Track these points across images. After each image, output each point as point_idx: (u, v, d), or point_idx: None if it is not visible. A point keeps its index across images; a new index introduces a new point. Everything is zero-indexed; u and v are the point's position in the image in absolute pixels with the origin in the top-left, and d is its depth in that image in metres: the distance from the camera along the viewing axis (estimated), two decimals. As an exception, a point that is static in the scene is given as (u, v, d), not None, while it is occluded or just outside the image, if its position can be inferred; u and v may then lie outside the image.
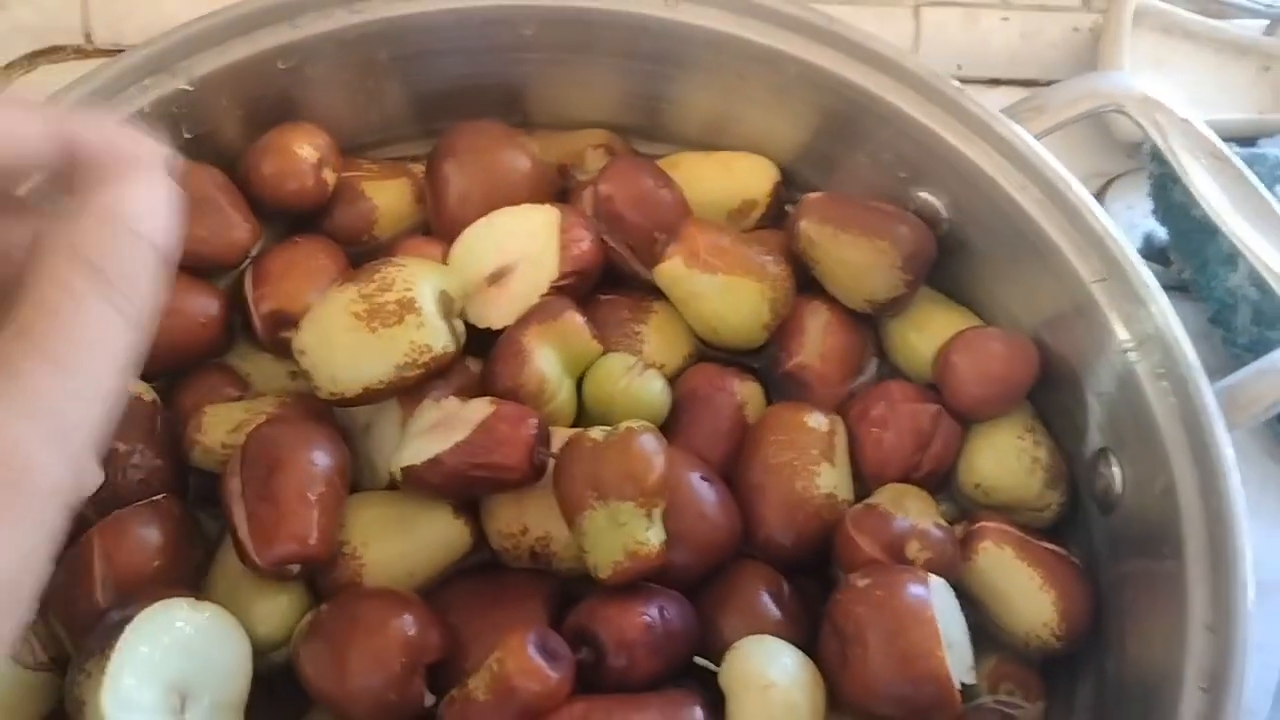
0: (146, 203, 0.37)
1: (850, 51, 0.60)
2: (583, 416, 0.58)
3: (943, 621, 0.49)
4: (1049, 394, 0.61)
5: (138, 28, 0.58)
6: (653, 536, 0.50)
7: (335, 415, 0.58)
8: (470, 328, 0.59)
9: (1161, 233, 0.77)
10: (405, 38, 0.62)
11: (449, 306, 0.56)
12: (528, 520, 0.54)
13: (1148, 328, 0.54)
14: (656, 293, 0.62)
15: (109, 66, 0.56)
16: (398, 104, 0.66)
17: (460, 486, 0.52)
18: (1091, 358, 0.57)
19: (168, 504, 0.53)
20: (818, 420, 0.58)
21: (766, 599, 0.54)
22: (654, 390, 0.57)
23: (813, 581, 0.57)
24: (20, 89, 0.77)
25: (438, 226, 0.63)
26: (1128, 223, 0.80)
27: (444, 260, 0.61)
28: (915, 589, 0.50)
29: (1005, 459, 0.59)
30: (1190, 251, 0.75)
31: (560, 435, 0.54)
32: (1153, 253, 0.79)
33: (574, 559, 0.54)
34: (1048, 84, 0.66)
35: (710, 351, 0.63)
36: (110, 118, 0.44)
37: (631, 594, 0.51)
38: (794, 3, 0.61)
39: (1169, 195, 0.74)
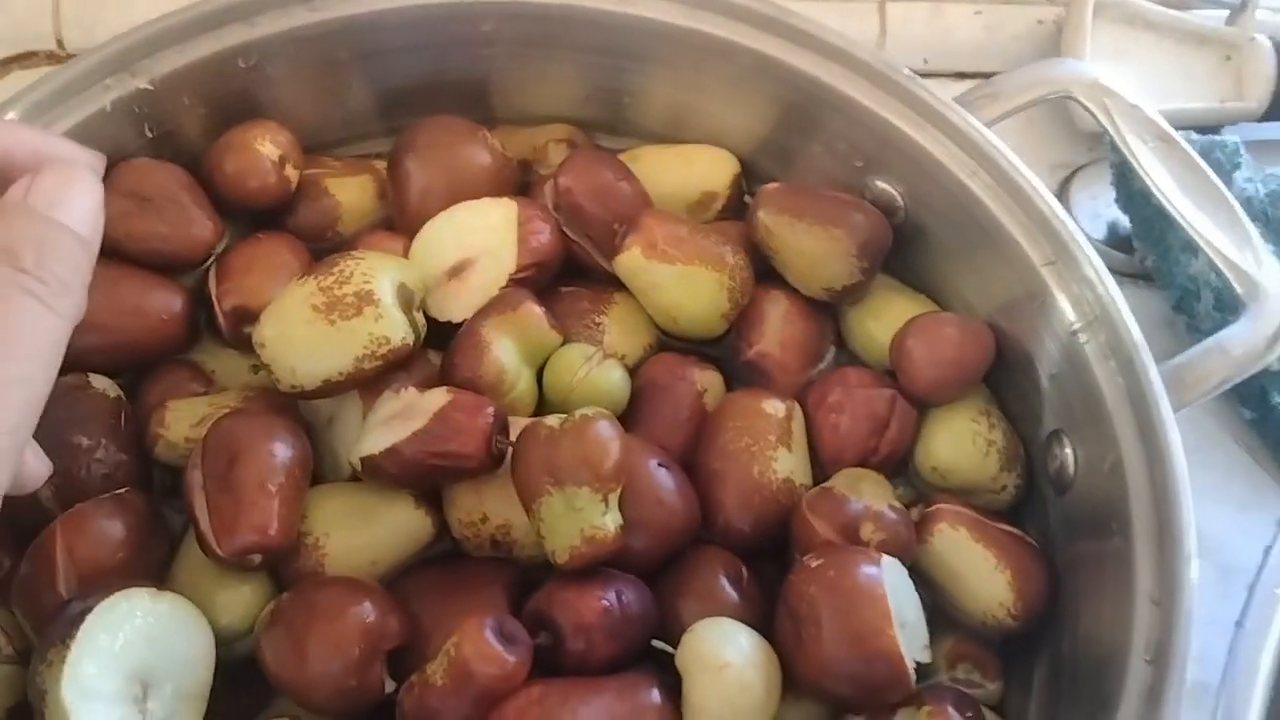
0: (64, 193, 0.38)
1: (802, 41, 0.61)
2: (543, 407, 0.59)
3: (895, 600, 0.50)
4: (1004, 378, 0.61)
5: (109, 33, 0.58)
6: (609, 521, 0.51)
7: (299, 409, 0.58)
8: (432, 321, 0.59)
9: (1125, 221, 0.78)
10: (365, 35, 0.63)
11: (408, 299, 0.57)
12: (487, 509, 0.54)
13: (1095, 309, 0.55)
14: (618, 284, 0.63)
15: (71, 67, 0.57)
16: (360, 101, 0.67)
17: (419, 475, 0.53)
18: (1043, 340, 0.58)
19: (131, 497, 0.54)
20: (775, 406, 0.59)
21: (725, 583, 0.54)
22: (613, 379, 0.58)
23: (772, 566, 0.57)
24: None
25: (400, 221, 0.64)
26: (1092, 212, 0.82)
27: (406, 255, 0.61)
28: (867, 569, 0.50)
29: (961, 442, 0.60)
30: (1152, 239, 0.76)
31: (519, 425, 0.54)
32: (1117, 241, 0.80)
33: (534, 546, 0.54)
34: (1010, 76, 0.67)
35: (671, 341, 0.64)
36: (30, 126, 0.45)
37: (589, 579, 0.51)
38: (748, -5, 0.62)
39: (1131, 184, 0.75)
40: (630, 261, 0.61)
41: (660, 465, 0.55)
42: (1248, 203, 0.72)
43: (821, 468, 0.59)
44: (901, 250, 0.64)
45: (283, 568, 0.54)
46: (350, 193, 0.66)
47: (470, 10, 0.63)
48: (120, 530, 0.52)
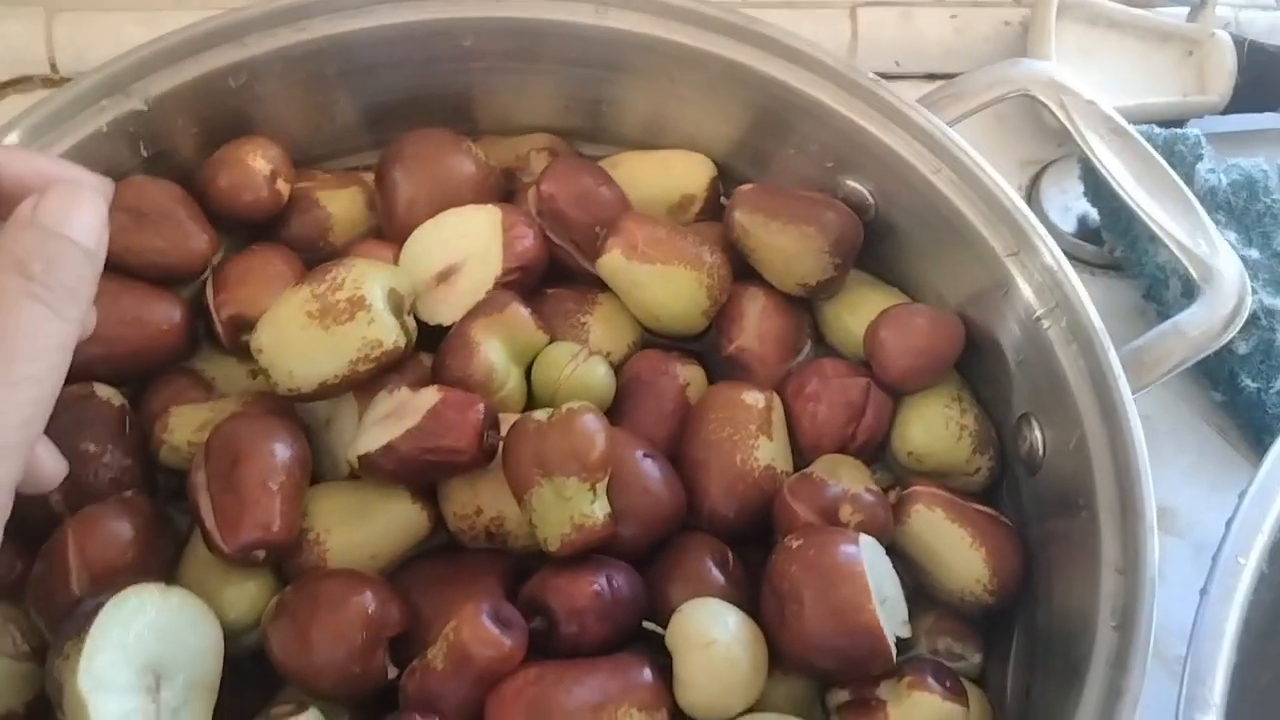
0: (71, 209, 0.40)
1: (771, 49, 0.64)
2: (532, 404, 0.61)
3: (873, 577, 0.52)
4: (974, 364, 0.64)
5: (101, 57, 0.60)
6: (597, 509, 0.53)
7: (297, 411, 0.60)
8: (422, 325, 0.62)
9: (1094, 214, 0.81)
10: (351, 53, 0.65)
11: (399, 304, 0.59)
12: (481, 502, 0.57)
13: (1056, 295, 0.58)
14: (602, 286, 0.65)
15: (67, 89, 0.59)
16: (347, 116, 0.69)
17: (414, 471, 0.55)
18: (1010, 327, 0.60)
19: (138, 499, 0.56)
20: (755, 397, 0.61)
21: (711, 567, 0.56)
22: (598, 375, 0.60)
23: (756, 550, 0.59)
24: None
25: (389, 230, 0.66)
26: (1062, 205, 0.84)
27: (395, 262, 0.64)
28: (846, 547, 0.53)
29: (935, 427, 0.62)
30: (1120, 230, 0.78)
31: (509, 421, 0.57)
32: (1086, 233, 0.83)
33: (527, 537, 0.56)
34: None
35: (654, 339, 0.66)
36: (39, 152, 0.47)
37: (581, 565, 0.53)
38: (714, 4, 0.64)
39: (1098, 178, 0.77)
40: (612, 262, 0.63)
41: (646, 456, 0.57)
42: (1211, 193, 0.75)
43: (801, 455, 0.62)
44: (873, 246, 0.66)
45: (286, 563, 0.56)
46: (340, 204, 0.68)
47: (451, 26, 0.65)
48: (129, 530, 0.54)
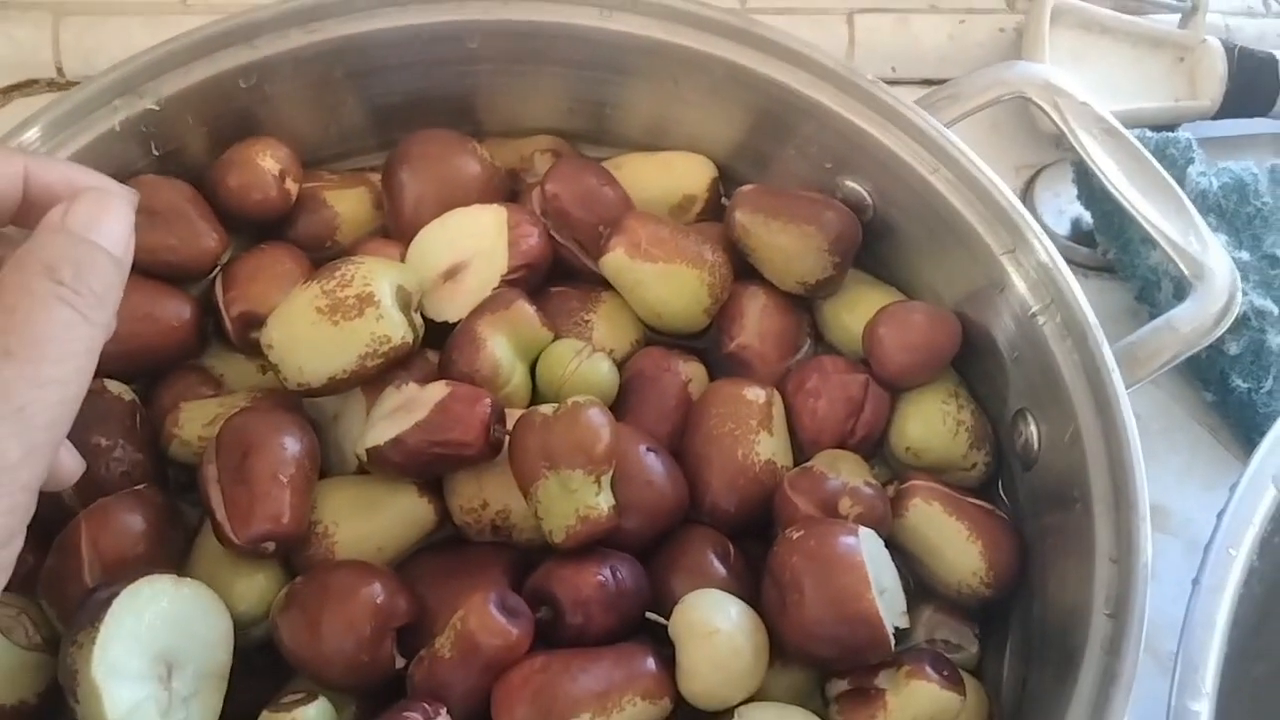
0: (99, 216, 0.42)
1: (771, 51, 0.65)
2: (536, 400, 0.62)
3: (872, 567, 0.53)
4: (971, 361, 0.65)
5: (108, 60, 0.61)
6: (602, 501, 0.54)
7: (305, 407, 0.61)
8: (429, 322, 0.62)
9: (1087, 217, 0.82)
10: (359, 55, 0.66)
11: (407, 300, 0.60)
12: (487, 495, 0.58)
13: (1051, 292, 0.59)
14: (605, 285, 0.66)
15: (81, 89, 0.60)
16: (355, 117, 0.70)
17: (422, 465, 0.56)
18: (1005, 324, 0.61)
19: (149, 492, 0.56)
20: (755, 393, 0.62)
21: (713, 559, 0.57)
22: (601, 371, 0.61)
23: (756, 544, 0.60)
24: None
25: (395, 229, 0.67)
26: (1055, 209, 0.85)
27: (402, 260, 0.65)
28: (845, 538, 0.54)
29: (932, 423, 0.63)
30: (1113, 233, 0.79)
31: (515, 416, 0.57)
32: (1080, 236, 0.84)
33: (532, 530, 0.57)
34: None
35: (657, 337, 0.67)
36: (67, 161, 0.49)
37: (585, 556, 0.54)
38: (718, 7, 0.65)
39: (1091, 181, 0.79)
40: (615, 261, 0.64)
41: (649, 450, 0.58)
42: (1202, 195, 0.76)
43: (801, 450, 0.63)
44: (872, 246, 0.68)
45: (295, 556, 0.57)
46: (347, 204, 0.69)
47: (457, 29, 0.66)
48: (140, 523, 0.55)
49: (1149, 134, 0.79)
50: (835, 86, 0.64)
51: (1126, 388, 0.55)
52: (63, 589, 0.53)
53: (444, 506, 0.59)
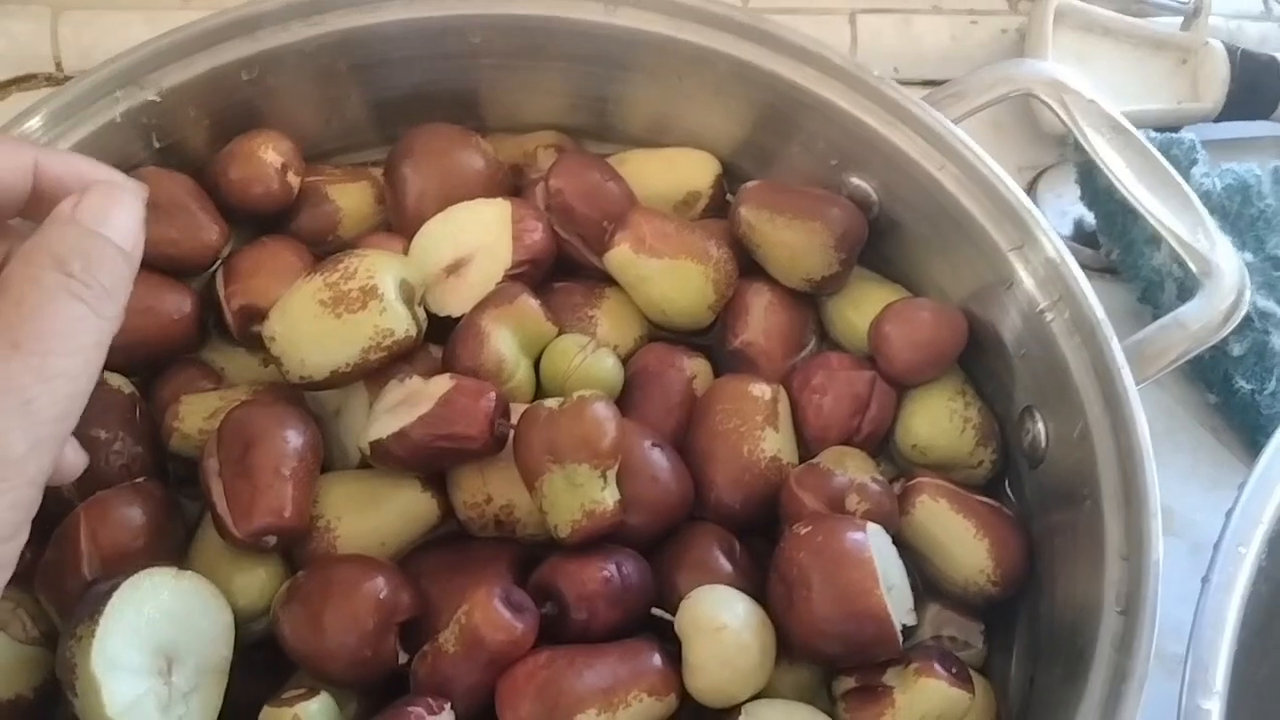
0: (109, 209, 0.41)
1: (777, 47, 0.64)
2: (540, 395, 0.61)
3: (880, 564, 0.53)
4: (978, 359, 0.64)
5: (107, 55, 0.61)
6: (608, 496, 0.53)
7: (306, 401, 0.61)
8: (431, 317, 0.62)
9: (1090, 218, 0.82)
10: (362, 48, 0.65)
11: (410, 294, 0.59)
12: (491, 490, 0.57)
13: (1059, 288, 0.58)
14: (609, 280, 0.66)
15: (82, 80, 0.60)
16: (357, 111, 0.70)
17: (426, 458, 0.55)
18: (1013, 321, 0.61)
19: (149, 485, 0.56)
20: (761, 389, 0.61)
21: (719, 555, 0.57)
22: (606, 367, 0.61)
23: (761, 541, 0.60)
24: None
25: (398, 224, 0.67)
26: (1058, 210, 0.85)
27: (405, 255, 0.64)
28: (853, 534, 0.53)
29: (939, 420, 0.63)
30: (1116, 234, 0.79)
31: (518, 411, 0.57)
32: (1083, 237, 0.84)
33: (536, 525, 0.57)
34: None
35: (661, 334, 0.67)
36: (78, 155, 0.48)
37: (591, 551, 0.54)
38: (723, 3, 0.65)
39: (1094, 181, 0.79)
40: (620, 257, 0.63)
41: (654, 446, 0.58)
42: (1206, 196, 0.76)
43: (807, 447, 0.62)
44: (877, 242, 0.67)
45: (296, 550, 0.56)
46: (350, 198, 0.68)
47: (460, 23, 0.66)
48: (140, 516, 0.54)
49: (1152, 134, 0.79)
50: (842, 82, 0.64)
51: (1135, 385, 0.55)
52: (61, 582, 0.53)
53: (447, 501, 0.58)
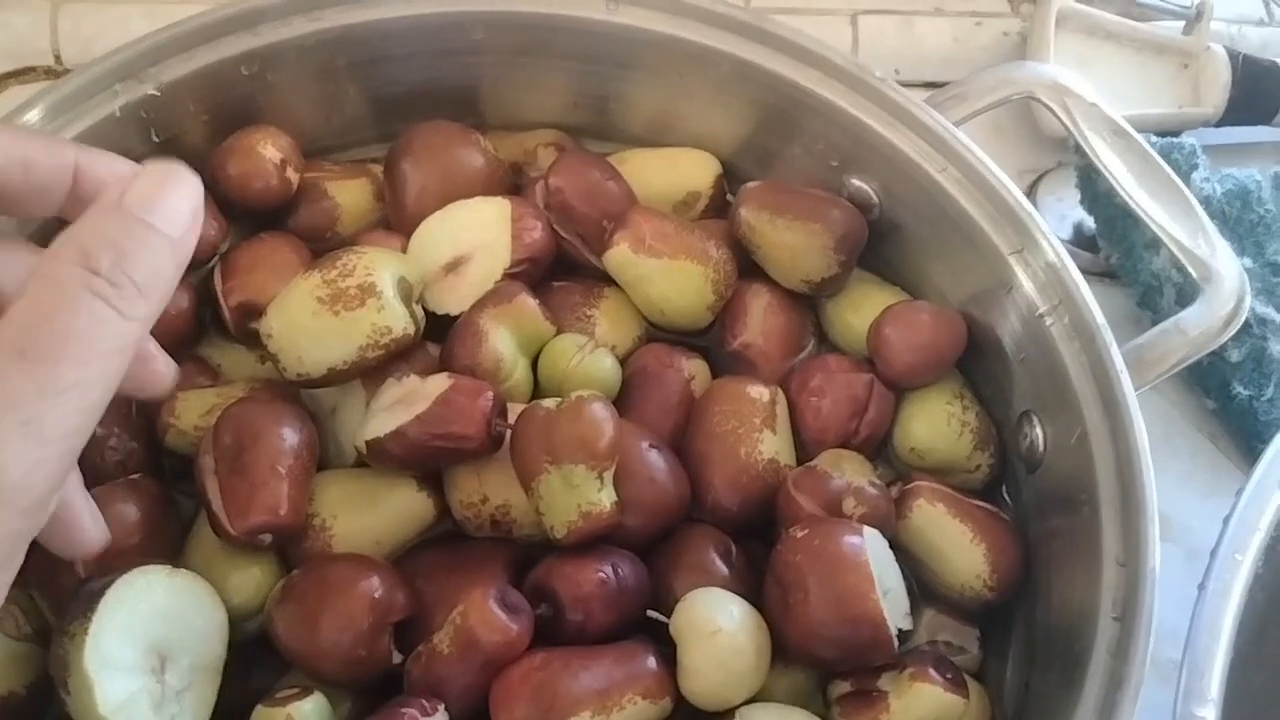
0: (160, 193, 0.36)
1: (779, 47, 0.64)
2: (538, 395, 0.61)
3: (877, 568, 0.52)
4: (976, 363, 0.64)
5: (106, 49, 0.61)
6: (604, 497, 0.53)
7: (303, 399, 0.61)
8: (429, 315, 0.62)
9: (1090, 222, 0.81)
10: (363, 44, 0.65)
11: (408, 292, 0.59)
12: (487, 490, 0.57)
13: (1059, 293, 0.58)
14: (608, 280, 0.66)
15: (81, 73, 0.59)
16: (356, 108, 0.69)
17: (422, 457, 0.55)
18: (1012, 325, 0.61)
19: (144, 482, 0.56)
20: (759, 391, 0.61)
21: (715, 558, 0.57)
22: (604, 367, 0.61)
23: (757, 544, 0.60)
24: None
25: (397, 221, 0.67)
26: (1058, 214, 0.85)
27: (403, 252, 0.64)
28: (850, 538, 0.53)
29: (937, 424, 0.62)
30: (1116, 238, 0.79)
31: (517, 410, 0.57)
32: (1082, 241, 0.83)
33: (532, 526, 0.57)
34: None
35: (659, 334, 0.67)
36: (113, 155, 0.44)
37: (586, 553, 0.54)
38: (726, 2, 0.64)
39: (1094, 185, 0.79)
40: (619, 256, 0.63)
41: (652, 447, 0.57)
42: (1206, 201, 0.76)
43: (804, 449, 0.62)
44: (877, 245, 0.67)
45: (291, 549, 0.56)
46: (349, 195, 0.68)
47: (462, 19, 0.66)
48: (135, 513, 0.54)
49: (1154, 139, 0.79)
50: (844, 84, 0.64)
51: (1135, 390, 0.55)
52: (55, 579, 0.53)
53: (443, 501, 0.58)
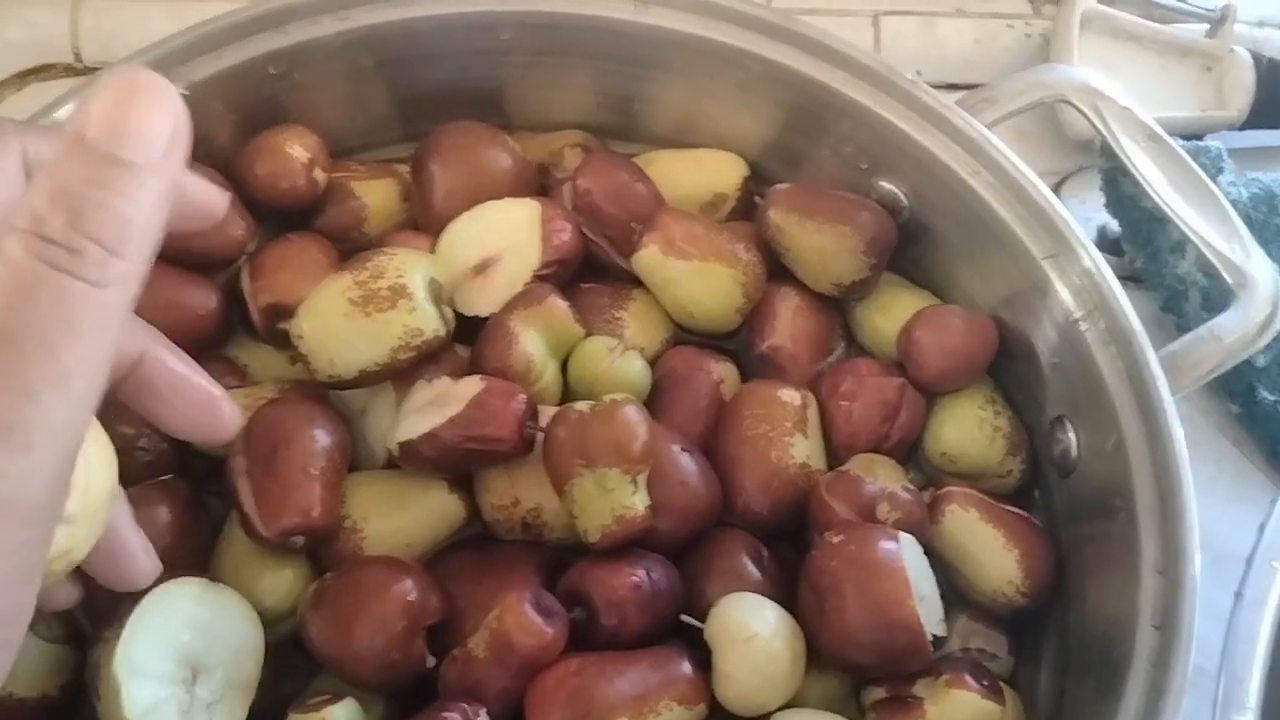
0: (115, 111, 0.29)
1: (809, 49, 0.64)
2: (568, 397, 0.61)
3: (913, 574, 0.52)
4: (1008, 367, 0.64)
5: (126, 46, 0.60)
6: (638, 501, 0.53)
7: (332, 400, 0.60)
8: (457, 316, 0.61)
9: (1114, 225, 0.81)
10: (390, 44, 0.65)
11: (439, 293, 0.59)
12: (519, 493, 0.56)
13: (1094, 298, 0.58)
14: (635, 282, 0.65)
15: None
16: (382, 108, 0.69)
17: (454, 460, 0.55)
18: (1045, 330, 0.61)
19: (175, 484, 0.55)
20: (790, 395, 0.61)
21: (747, 562, 0.56)
22: (635, 370, 0.60)
23: (787, 549, 0.59)
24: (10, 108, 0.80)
25: (424, 222, 0.66)
26: (1082, 217, 0.84)
27: (431, 253, 0.63)
28: (886, 544, 0.53)
29: (968, 429, 0.62)
30: (1141, 241, 0.78)
31: (548, 413, 0.57)
32: (1106, 244, 0.83)
33: (563, 529, 0.56)
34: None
35: (687, 337, 0.66)
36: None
37: (620, 557, 0.53)
38: (754, 3, 0.64)
39: (1119, 188, 0.78)
40: (648, 258, 0.63)
41: (683, 450, 0.57)
42: (1232, 205, 0.75)
43: (835, 454, 0.62)
44: (906, 248, 0.67)
45: (323, 551, 0.56)
46: (375, 195, 0.68)
47: (491, 19, 0.65)
48: (166, 515, 0.54)
49: (1180, 142, 0.78)
50: (873, 85, 0.63)
51: (1170, 396, 0.55)
52: (88, 581, 0.52)
53: (473, 503, 0.58)
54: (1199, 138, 0.83)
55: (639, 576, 0.53)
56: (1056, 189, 0.85)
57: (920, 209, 0.66)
